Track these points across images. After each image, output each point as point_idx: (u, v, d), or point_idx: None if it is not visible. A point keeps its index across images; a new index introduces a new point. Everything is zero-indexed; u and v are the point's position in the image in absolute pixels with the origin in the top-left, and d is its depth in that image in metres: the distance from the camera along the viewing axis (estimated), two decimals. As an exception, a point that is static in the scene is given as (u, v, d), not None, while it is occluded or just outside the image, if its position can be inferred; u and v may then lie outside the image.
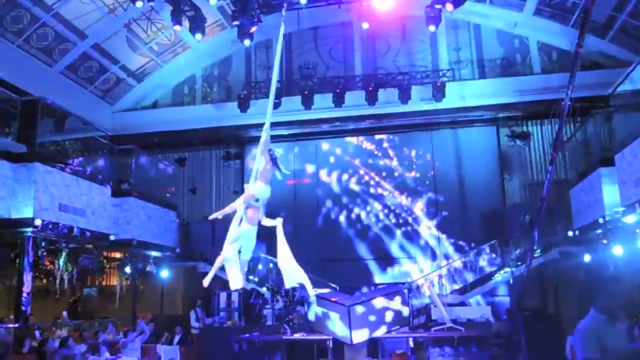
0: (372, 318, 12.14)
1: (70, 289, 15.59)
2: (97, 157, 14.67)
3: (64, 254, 13.03)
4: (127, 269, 15.41)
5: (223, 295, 16.48)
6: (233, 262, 7.11)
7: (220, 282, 17.09)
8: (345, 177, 18.01)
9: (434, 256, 17.04)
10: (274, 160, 7.23)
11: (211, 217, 7.45)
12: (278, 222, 7.34)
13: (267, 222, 7.25)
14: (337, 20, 17.83)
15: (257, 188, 7.13)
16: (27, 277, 11.60)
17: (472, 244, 16.41)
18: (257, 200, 7.11)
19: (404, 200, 17.48)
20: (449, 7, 13.49)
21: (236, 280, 7.08)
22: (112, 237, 13.79)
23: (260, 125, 18.47)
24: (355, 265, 17.33)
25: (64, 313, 15.10)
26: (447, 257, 16.88)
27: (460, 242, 16.86)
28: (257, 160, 7.41)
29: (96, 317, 16.13)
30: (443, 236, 17.07)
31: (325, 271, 17.08)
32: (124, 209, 14.58)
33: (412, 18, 17.09)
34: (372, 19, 15.09)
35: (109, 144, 15.22)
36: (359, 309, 11.96)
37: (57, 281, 13.35)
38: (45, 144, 12.63)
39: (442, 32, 17.42)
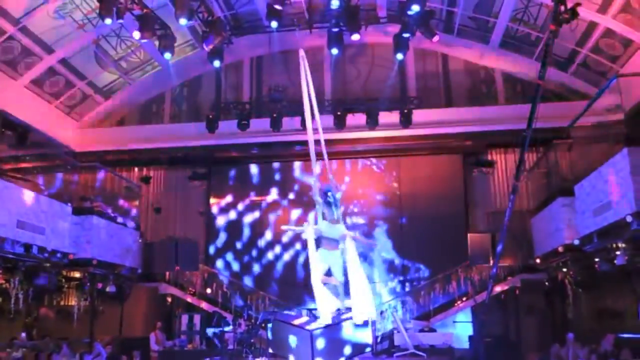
0: (335, 343, 12.02)
1: (26, 308, 15.13)
2: (59, 173, 14.41)
3: (20, 272, 12.64)
4: (86, 289, 15.03)
5: (184, 318, 16.20)
6: (322, 286, 7.38)
7: (182, 304, 16.94)
8: (309, 196, 17.96)
9: (397, 281, 17.07)
10: (327, 204, 7.48)
11: (284, 227, 8.97)
12: (348, 240, 7.48)
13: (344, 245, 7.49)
14: (308, 45, 17.95)
15: (323, 227, 7.56)
16: (-20, 296, 11.24)
17: (435, 271, 16.48)
18: (330, 238, 7.54)
19: (368, 224, 17.53)
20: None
21: (326, 305, 7.26)
22: (71, 256, 13.47)
23: (228, 147, 18.59)
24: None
25: (23, 334, 14.60)
26: (409, 282, 16.94)
27: (424, 268, 16.93)
28: (314, 189, 7.73)
29: (52, 338, 15.62)
30: (406, 262, 17.13)
31: (287, 295, 17.03)
32: (85, 227, 14.24)
33: (381, 45, 17.36)
34: (343, 45, 15.31)
35: (72, 161, 14.97)
36: (322, 333, 11.83)
37: (12, 300, 12.92)
38: (5, 159, 12.36)
39: (411, 60, 17.76)
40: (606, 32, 13.99)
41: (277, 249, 17.72)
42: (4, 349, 12.82)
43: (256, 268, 17.67)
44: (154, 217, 18.33)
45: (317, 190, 7.64)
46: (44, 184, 13.24)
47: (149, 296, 17.15)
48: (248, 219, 18.09)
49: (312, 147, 7.97)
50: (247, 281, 17.42)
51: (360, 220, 17.57)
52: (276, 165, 18.40)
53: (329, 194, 7.66)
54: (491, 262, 14.75)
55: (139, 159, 18.13)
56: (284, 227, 8.93)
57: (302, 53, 8.06)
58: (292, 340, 11.85)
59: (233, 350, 13.31)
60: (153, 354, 14.58)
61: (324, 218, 7.65)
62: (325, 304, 7.18)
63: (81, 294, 15.54)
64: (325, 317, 7.20)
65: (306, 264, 17.36)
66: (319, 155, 8.00)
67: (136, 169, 18.56)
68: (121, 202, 17.00)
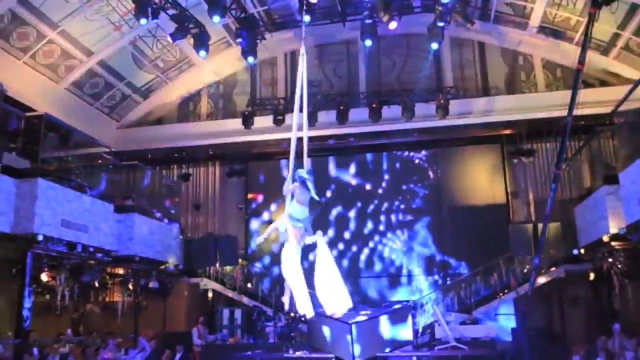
0: (375, 336, 11.99)
1: (73, 305, 15.55)
2: (101, 173, 14.73)
3: (65, 269, 12.98)
4: (130, 286, 15.36)
5: (226, 312, 16.40)
6: (301, 277, 7.12)
7: (223, 298, 17.13)
8: (346, 193, 17.90)
9: (438, 274, 16.90)
10: (302, 183, 7.22)
11: (258, 242, 8.41)
12: (318, 236, 7.31)
13: (308, 239, 7.29)
14: (341, 38, 17.90)
15: (292, 208, 7.16)
16: (28, 293, 11.57)
17: (477, 263, 16.23)
18: (297, 220, 7.13)
19: (408, 217, 17.39)
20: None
21: (305, 296, 6.98)
22: (114, 254, 13.77)
23: (264, 142, 18.60)
24: (359, 282, 17.21)
25: (69, 331, 15.02)
26: (450, 275, 16.74)
27: (464, 261, 16.71)
28: (287, 181, 7.33)
29: (98, 334, 16.04)
30: (447, 254, 16.93)
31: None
32: (127, 224, 14.55)
33: (416, 36, 17.15)
34: (377, 36, 15.17)
35: (113, 160, 15.28)
36: (362, 327, 11.81)
37: (59, 297, 13.29)
38: (49, 160, 12.69)
39: (447, 50, 17.49)
40: (649, 13, 13.50)
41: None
42: (52, 344, 13.21)
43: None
44: (194, 214, 18.59)
45: (290, 177, 7.35)
46: (87, 183, 13.51)
47: (190, 291, 17.43)
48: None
49: (293, 142, 7.69)
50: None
51: (407, 217, 17.43)
52: (311, 158, 18.33)
53: (305, 171, 7.43)
54: (534, 253, 14.44)
55: (178, 157, 18.43)
56: (258, 241, 8.45)
57: (302, 50, 7.85)
58: (331, 333, 11.89)
59: (274, 343, 13.41)
60: (196, 348, 14.80)
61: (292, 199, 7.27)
62: (304, 295, 7.02)
63: (125, 290, 15.89)
64: (307, 310, 6.97)
65: (353, 261, 17.48)
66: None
67: (175, 167, 18.86)
68: (162, 199, 17.28)
